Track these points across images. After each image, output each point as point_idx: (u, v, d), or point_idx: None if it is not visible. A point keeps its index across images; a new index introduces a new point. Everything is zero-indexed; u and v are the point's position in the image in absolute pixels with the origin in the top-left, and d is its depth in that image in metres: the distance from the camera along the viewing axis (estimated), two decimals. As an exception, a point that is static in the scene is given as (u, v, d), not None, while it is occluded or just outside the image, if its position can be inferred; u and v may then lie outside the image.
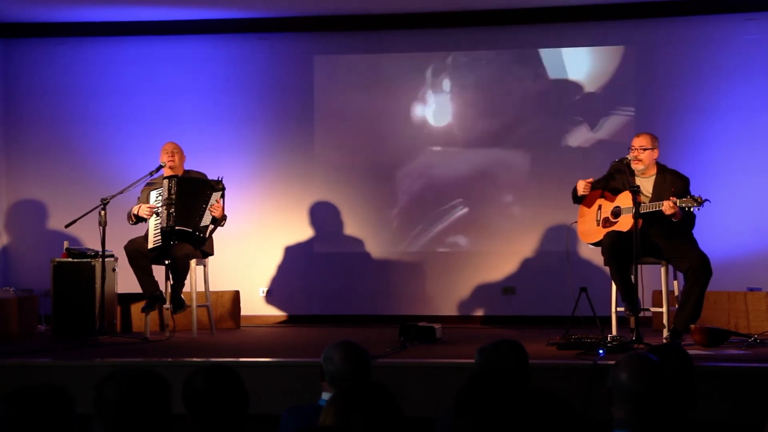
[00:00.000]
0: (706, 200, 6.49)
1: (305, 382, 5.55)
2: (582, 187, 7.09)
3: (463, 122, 9.22)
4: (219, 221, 7.71)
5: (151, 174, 7.77)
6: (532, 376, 3.90)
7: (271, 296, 9.30)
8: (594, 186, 7.14)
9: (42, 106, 9.50)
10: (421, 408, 5.10)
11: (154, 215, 7.60)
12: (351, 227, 9.32)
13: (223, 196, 7.70)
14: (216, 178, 7.71)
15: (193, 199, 7.62)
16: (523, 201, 9.11)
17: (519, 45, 9.21)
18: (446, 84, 9.28)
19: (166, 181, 7.63)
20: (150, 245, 7.58)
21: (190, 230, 7.56)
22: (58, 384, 2.80)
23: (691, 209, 6.54)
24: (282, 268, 9.33)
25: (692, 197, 6.52)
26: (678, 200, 6.54)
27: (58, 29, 9.45)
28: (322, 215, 9.33)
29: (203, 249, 7.78)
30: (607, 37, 9.08)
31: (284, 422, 3.67)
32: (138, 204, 7.74)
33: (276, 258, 9.33)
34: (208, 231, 7.72)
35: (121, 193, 7.68)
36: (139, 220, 7.70)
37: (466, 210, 9.19)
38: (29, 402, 2.70)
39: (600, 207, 7.14)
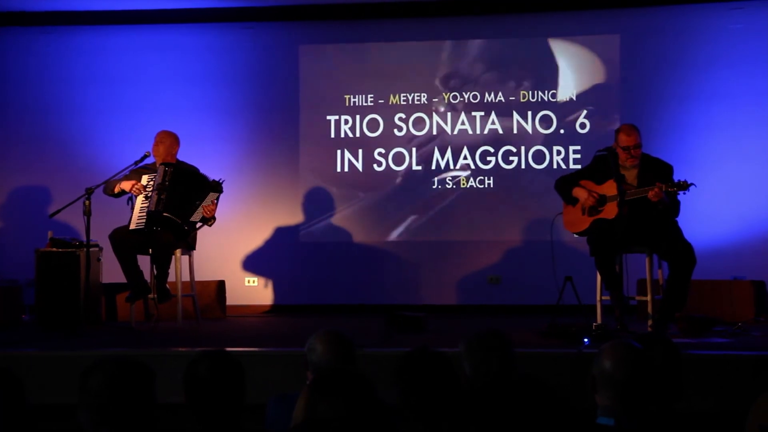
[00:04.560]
0: (692, 184, 6.51)
1: (291, 371, 5.56)
2: (584, 199, 6.96)
3: (450, 112, 9.22)
4: (208, 221, 7.65)
5: (136, 163, 7.71)
6: (517, 364, 3.91)
7: (257, 286, 9.30)
8: (579, 176, 7.12)
9: (27, 95, 9.46)
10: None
11: (143, 196, 7.54)
12: (337, 217, 9.32)
13: (218, 198, 7.63)
14: (217, 179, 7.60)
15: (187, 192, 7.53)
16: (508, 190, 9.12)
17: (507, 34, 9.22)
18: (434, 74, 9.28)
19: (162, 167, 7.54)
20: (132, 226, 7.51)
21: (179, 221, 7.51)
22: (7, 368, 2.82)
23: (678, 194, 6.57)
24: (268, 258, 9.32)
25: (678, 182, 6.53)
26: (664, 185, 6.54)
27: (43, 18, 9.41)
28: (307, 205, 9.33)
29: (186, 241, 7.74)
30: (594, 26, 9.09)
31: (270, 410, 3.67)
32: (127, 180, 7.66)
33: (262, 248, 9.32)
34: (195, 227, 7.68)
35: (106, 182, 7.64)
36: (120, 195, 7.63)
37: (452, 200, 9.20)
38: None
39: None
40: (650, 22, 8.98)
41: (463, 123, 9.18)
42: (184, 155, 7.92)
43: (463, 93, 9.19)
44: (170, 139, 7.75)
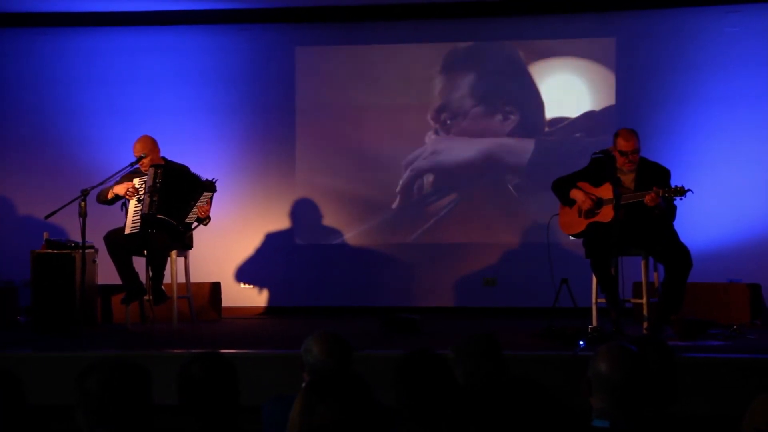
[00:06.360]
0: (689, 190, 6.50)
1: (287, 373, 5.55)
2: (581, 201, 6.95)
3: (447, 115, 9.22)
4: (203, 221, 7.65)
5: (131, 165, 7.71)
6: (507, 366, 3.93)
7: (252, 288, 9.29)
8: (577, 178, 7.10)
9: (21, 97, 9.45)
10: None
11: (135, 200, 7.54)
12: (332, 219, 9.32)
13: (212, 197, 7.62)
14: (210, 179, 7.60)
15: (180, 193, 7.53)
16: (505, 192, 9.13)
17: (502, 36, 9.23)
18: (429, 76, 9.28)
19: (152, 169, 7.54)
20: (127, 230, 7.52)
21: (174, 223, 7.50)
22: (9, 371, 2.82)
23: (674, 199, 6.56)
24: (263, 260, 9.32)
25: (676, 188, 6.53)
26: (661, 191, 6.54)
27: (38, 19, 9.40)
28: (303, 207, 9.33)
29: (182, 242, 7.74)
30: (590, 29, 9.09)
31: (266, 412, 3.67)
32: (119, 185, 7.65)
33: (257, 249, 9.31)
34: (191, 227, 7.67)
35: (101, 184, 7.62)
36: (114, 201, 7.63)
37: (448, 202, 9.20)
38: None
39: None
40: (646, 25, 8.98)
41: (462, 125, 9.18)
42: (181, 156, 7.92)
43: (462, 94, 9.19)
44: (151, 142, 7.76)
